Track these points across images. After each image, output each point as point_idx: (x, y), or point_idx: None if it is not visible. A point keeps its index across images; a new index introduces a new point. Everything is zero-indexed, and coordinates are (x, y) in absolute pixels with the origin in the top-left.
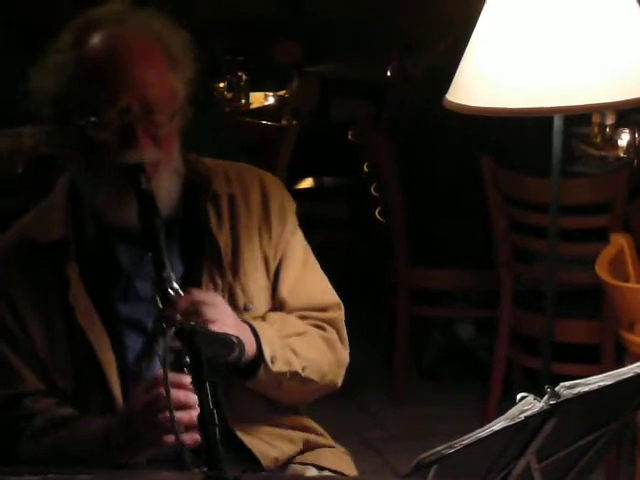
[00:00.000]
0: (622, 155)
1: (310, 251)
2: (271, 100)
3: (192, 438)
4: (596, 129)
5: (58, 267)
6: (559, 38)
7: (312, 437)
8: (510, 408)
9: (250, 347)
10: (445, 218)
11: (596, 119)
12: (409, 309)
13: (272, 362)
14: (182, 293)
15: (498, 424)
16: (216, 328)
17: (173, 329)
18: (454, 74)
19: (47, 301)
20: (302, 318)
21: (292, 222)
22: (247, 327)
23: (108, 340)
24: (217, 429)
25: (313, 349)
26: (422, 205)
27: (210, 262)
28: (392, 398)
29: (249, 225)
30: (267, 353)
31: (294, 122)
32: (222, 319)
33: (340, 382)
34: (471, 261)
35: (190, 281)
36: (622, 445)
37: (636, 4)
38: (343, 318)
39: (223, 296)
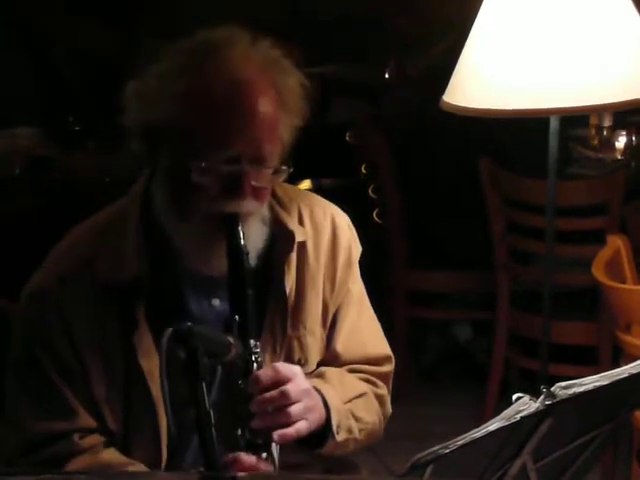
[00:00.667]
0: (619, 157)
1: (366, 298)
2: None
3: None
4: (593, 131)
5: (124, 304)
6: (555, 39)
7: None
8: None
9: (320, 418)
10: (443, 219)
11: (593, 121)
12: (406, 311)
13: (337, 432)
14: (263, 364)
15: (494, 424)
16: (301, 408)
17: (170, 330)
18: (451, 75)
19: (107, 338)
20: (353, 371)
21: (355, 271)
22: (318, 398)
23: (167, 385)
24: (213, 429)
25: (370, 411)
26: (420, 206)
27: (272, 313)
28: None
29: (315, 273)
30: (335, 424)
31: None
32: (305, 398)
33: (382, 434)
34: (469, 263)
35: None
36: (618, 445)
37: (632, 5)
38: (392, 372)
39: (281, 351)
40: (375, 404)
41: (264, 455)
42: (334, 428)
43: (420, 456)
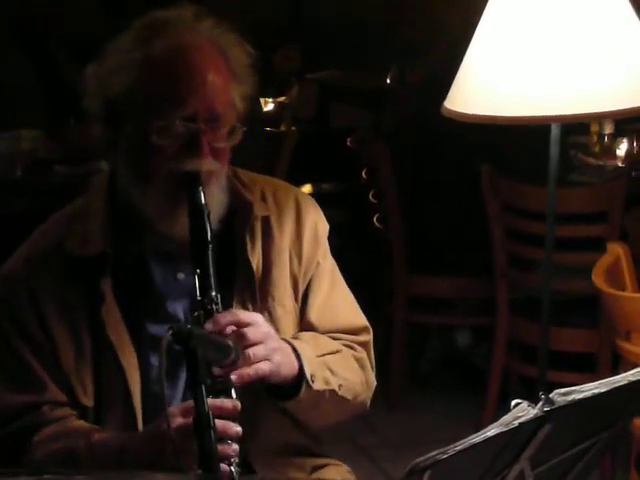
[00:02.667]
0: (620, 164)
1: (339, 274)
2: (271, 106)
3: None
4: (594, 138)
5: (91, 280)
6: (557, 46)
7: (319, 461)
8: None
9: (292, 367)
10: (443, 225)
11: (594, 128)
12: (406, 316)
13: (312, 381)
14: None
15: (492, 430)
16: (261, 350)
17: (170, 331)
18: (452, 81)
19: (75, 313)
20: (332, 339)
21: (324, 246)
22: (289, 346)
23: (135, 358)
24: (212, 432)
25: (347, 368)
26: (420, 212)
27: (241, 285)
28: (387, 405)
29: (281, 247)
30: (308, 372)
31: (293, 128)
32: (265, 340)
33: (369, 404)
34: (469, 269)
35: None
36: (617, 453)
37: (634, 13)
38: (372, 342)
39: None
40: (354, 364)
41: (228, 402)
42: (308, 376)
43: (418, 461)
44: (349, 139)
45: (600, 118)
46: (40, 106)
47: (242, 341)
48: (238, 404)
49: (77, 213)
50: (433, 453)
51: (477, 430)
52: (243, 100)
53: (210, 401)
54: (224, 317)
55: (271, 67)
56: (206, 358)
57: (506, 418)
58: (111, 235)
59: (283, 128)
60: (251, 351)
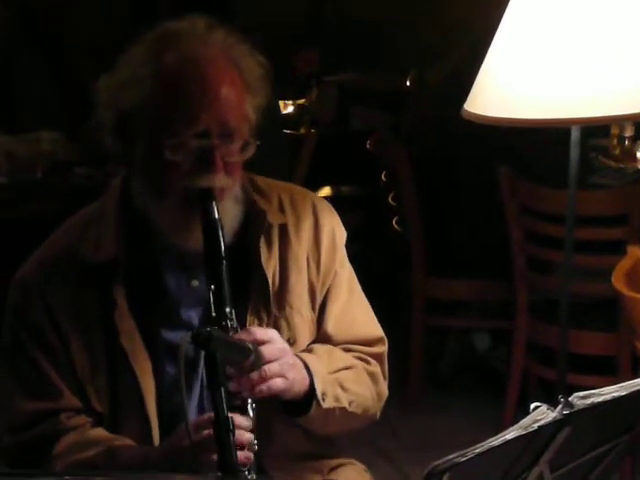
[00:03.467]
0: None
1: (356, 281)
2: (290, 109)
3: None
4: (615, 141)
5: (104, 286)
6: (577, 48)
7: (335, 461)
8: None
9: (303, 384)
10: (462, 227)
11: (614, 131)
12: (424, 319)
13: (323, 399)
14: (239, 330)
15: (511, 433)
16: (276, 367)
17: (190, 334)
18: (472, 83)
19: (89, 319)
20: (346, 351)
21: (341, 253)
22: (301, 363)
23: (150, 365)
24: (232, 435)
25: (359, 384)
26: (439, 215)
27: (256, 295)
28: (406, 408)
29: (298, 255)
30: (319, 390)
31: (312, 131)
32: (281, 357)
33: (379, 414)
34: (487, 271)
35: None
36: (636, 456)
37: None
38: (386, 353)
39: None
40: (366, 378)
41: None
42: (319, 394)
43: (437, 464)
44: (368, 141)
45: (620, 121)
46: (60, 108)
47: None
48: (253, 422)
49: (91, 218)
50: (452, 456)
51: (496, 433)
52: (256, 111)
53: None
54: (240, 337)
55: (290, 70)
56: (226, 361)
57: (525, 421)
58: (124, 241)
59: (302, 131)
60: (267, 368)
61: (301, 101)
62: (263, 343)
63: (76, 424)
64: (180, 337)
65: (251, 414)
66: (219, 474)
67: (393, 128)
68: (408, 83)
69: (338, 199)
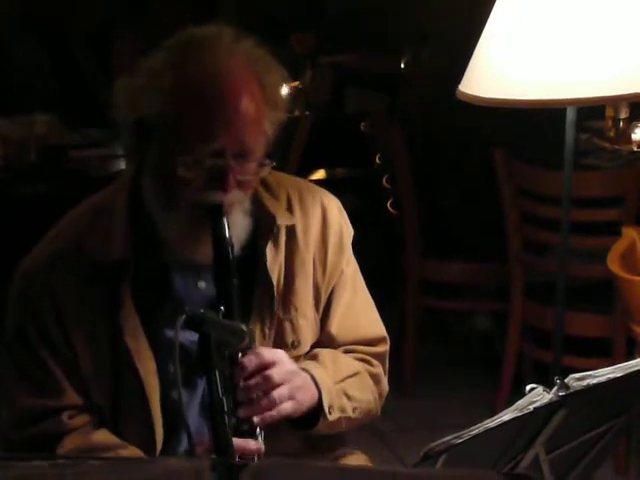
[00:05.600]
0: (635, 149)
1: (360, 278)
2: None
3: None
4: (610, 123)
5: (111, 285)
6: (572, 30)
7: (338, 452)
8: None
9: (312, 399)
10: (457, 210)
11: (610, 113)
12: (419, 301)
13: (329, 412)
14: (248, 351)
15: (507, 415)
16: (285, 390)
17: (184, 317)
18: (467, 64)
19: (94, 317)
20: (348, 351)
21: (348, 252)
22: (309, 380)
23: (153, 364)
24: (226, 417)
25: (363, 390)
26: (434, 197)
27: (260, 297)
28: (402, 390)
29: (305, 256)
30: (326, 404)
31: (307, 113)
32: (290, 379)
33: (380, 411)
34: (482, 254)
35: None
36: (631, 438)
37: None
38: (388, 352)
39: (270, 333)
40: (369, 382)
41: (253, 444)
42: (326, 408)
43: (433, 446)
44: (363, 124)
45: (616, 101)
46: (55, 90)
47: (268, 383)
48: (262, 447)
49: (99, 212)
50: (448, 438)
51: (491, 415)
52: (275, 126)
53: (235, 440)
54: (250, 361)
55: (286, 52)
56: (220, 343)
57: (521, 403)
58: (133, 242)
59: (297, 113)
60: (276, 393)
61: (295, 83)
62: (271, 365)
63: (78, 424)
64: (185, 338)
65: (260, 439)
66: (213, 457)
67: (388, 110)
68: (402, 65)
69: (333, 182)
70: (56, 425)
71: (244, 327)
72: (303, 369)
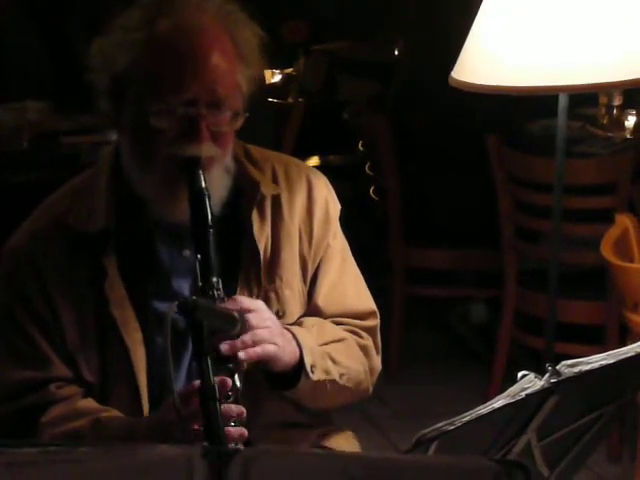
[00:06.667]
0: (628, 136)
1: (349, 254)
2: (278, 78)
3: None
4: (603, 110)
5: (95, 256)
6: (565, 16)
7: (323, 429)
8: None
9: (293, 356)
10: (445, 197)
11: (603, 100)
12: (405, 289)
13: (312, 371)
14: (226, 299)
15: (499, 401)
16: (266, 333)
17: (176, 303)
18: (460, 51)
19: (80, 290)
20: (337, 324)
21: (334, 226)
22: (290, 335)
23: (140, 335)
24: (218, 404)
25: (351, 357)
26: (420, 184)
27: (247, 266)
28: (389, 377)
29: (290, 227)
30: (308, 362)
31: (300, 100)
32: (267, 326)
33: (372, 389)
34: (469, 241)
35: (224, 284)
36: (624, 425)
37: None
38: (378, 326)
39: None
40: (358, 352)
41: (230, 381)
42: (308, 366)
43: (425, 432)
44: (345, 111)
45: (608, 88)
46: (47, 77)
47: (245, 327)
48: (243, 411)
49: (81, 188)
50: (440, 424)
51: (483, 402)
52: (250, 82)
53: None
54: (227, 306)
55: (278, 39)
56: (212, 329)
57: (513, 389)
58: (114, 211)
59: (290, 100)
60: (258, 332)
61: (288, 70)
62: (250, 312)
63: (66, 394)
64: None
65: (238, 383)
66: (205, 444)
67: (380, 97)
68: (396, 52)
69: (326, 169)
70: (44, 396)
71: (236, 314)
72: (286, 329)
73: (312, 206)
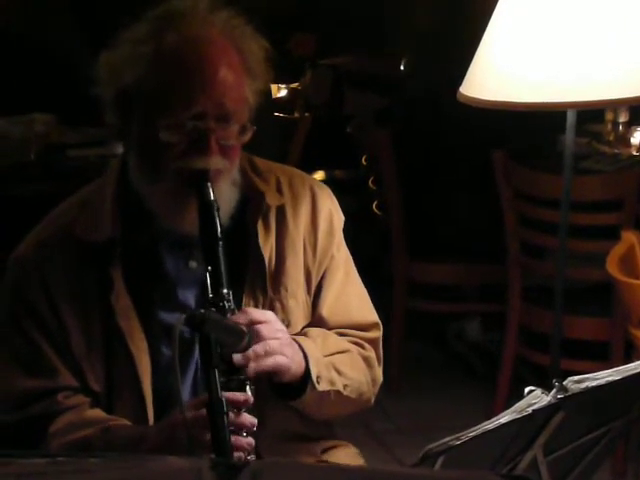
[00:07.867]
0: (635, 153)
1: (353, 266)
2: (284, 92)
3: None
4: (609, 127)
5: (101, 266)
6: (573, 33)
7: (328, 443)
8: None
9: (299, 367)
10: (447, 212)
11: (609, 116)
12: (406, 303)
13: (317, 382)
14: (236, 311)
15: (505, 417)
16: (275, 345)
17: (184, 316)
18: (467, 67)
19: (86, 299)
20: (341, 335)
21: (338, 237)
22: (297, 346)
23: (146, 345)
24: (225, 417)
25: (354, 368)
26: (424, 198)
27: (253, 276)
28: (392, 390)
29: (295, 238)
30: (314, 373)
31: (306, 114)
32: (278, 337)
33: (373, 400)
34: (471, 256)
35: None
36: (629, 441)
37: None
38: (381, 338)
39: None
40: (361, 363)
41: (241, 395)
42: (314, 377)
43: (431, 447)
44: (349, 125)
45: (616, 105)
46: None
47: (257, 338)
48: (250, 397)
49: (88, 198)
50: (447, 439)
51: (488, 418)
52: (257, 95)
53: (228, 394)
54: (238, 318)
55: (285, 53)
56: (220, 343)
57: (520, 405)
58: (121, 221)
59: (296, 114)
60: (270, 342)
61: (295, 85)
62: (260, 324)
63: (74, 403)
64: (176, 318)
65: (249, 393)
66: (212, 456)
67: (385, 112)
68: (402, 67)
69: (332, 183)
70: (52, 405)
71: (244, 328)
72: (292, 339)
73: (316, 217)
